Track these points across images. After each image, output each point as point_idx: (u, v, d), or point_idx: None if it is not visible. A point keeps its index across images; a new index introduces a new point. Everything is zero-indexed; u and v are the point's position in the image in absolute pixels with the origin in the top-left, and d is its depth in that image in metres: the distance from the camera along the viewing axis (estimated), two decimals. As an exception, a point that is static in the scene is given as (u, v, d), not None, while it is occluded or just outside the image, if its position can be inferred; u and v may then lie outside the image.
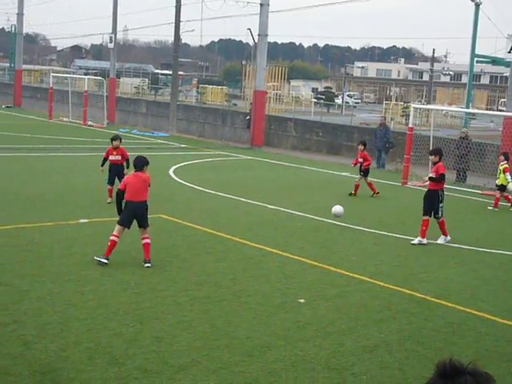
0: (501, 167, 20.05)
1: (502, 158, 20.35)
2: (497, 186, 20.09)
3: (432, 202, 14.58)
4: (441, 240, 14.80)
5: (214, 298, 10.06)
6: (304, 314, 9.61)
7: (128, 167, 16.35)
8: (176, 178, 22.12)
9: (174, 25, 41.84)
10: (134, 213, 11.53)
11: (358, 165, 21.09)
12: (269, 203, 18.29)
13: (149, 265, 11.44)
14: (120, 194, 11.67)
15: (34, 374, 7.18)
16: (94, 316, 9.00)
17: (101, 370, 7.37)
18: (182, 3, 41.32)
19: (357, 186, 20.77)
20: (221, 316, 9.32)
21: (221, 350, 8.12)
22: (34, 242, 12.62)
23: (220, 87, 64.40)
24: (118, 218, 11.67)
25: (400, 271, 12.32)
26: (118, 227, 11.52)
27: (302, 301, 10.20)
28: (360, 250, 13.82)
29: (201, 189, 20.29)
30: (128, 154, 16.92)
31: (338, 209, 15.51)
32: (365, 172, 20.88)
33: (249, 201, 18.65)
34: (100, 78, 53.66)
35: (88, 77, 54.35)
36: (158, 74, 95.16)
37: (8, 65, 74.07)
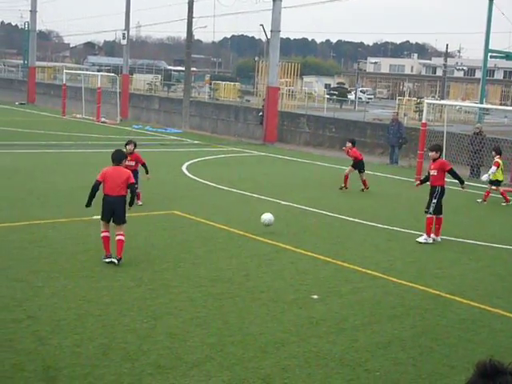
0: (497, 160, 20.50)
1: (493, 153, 20.95)
2: (491, 180, 20.37)
3: (430, 197, 14.46)
4: (421, 239, 14.24)
5: (228, 295, 10.07)
6: (317, 310, 9.60)
7: (147, 172, 16.35)
8: (189, 175, 22.15)
9: (186, 21, 41.87)
10: (111, 207, 11.32)
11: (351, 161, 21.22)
12: (282, 199, 18.28)
13: (115, 261, 11.16)
14: (96, 186, 11.33)
15: (48, 370, 7.21)
16: (108, 312, 9.03)
17: (115, 366, 7.40)
18: (194, -1, 41.34)
19: (364, 182, 20.88)
20: (234, 312, 9.32)
21: (234, 346, 8.12)
22: (47, 238, 12.67)
23: (233, 83, 64.37)
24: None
25: (414, 267, 12.28)
26: (102, 223, 11.45)
27: (315, 297, 10.19)
28: (373, 245, 13.79)
29: (214, 185, 20.30)
30: (143, 159, 16.48)
31: (267, 216, 14.29)
32: (356, 167, 20.96)
33: (262, 197, 18.64)
34: (113, 74, 53.78)
35: (101, 73, 54.45)
36: (170, 70, 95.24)
37: (21, 62, 74.41)
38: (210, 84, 64.10)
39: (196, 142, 34.31)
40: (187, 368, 7.46)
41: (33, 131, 33.40)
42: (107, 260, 11.25)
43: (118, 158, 11.63)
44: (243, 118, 40.03)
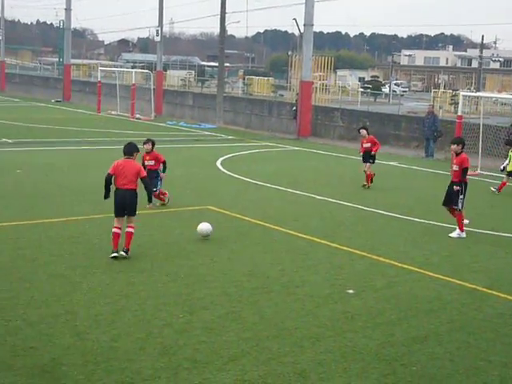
0: (511, 153, 20.33)
1: (508, 146, 21.08)
2: (507, 171, 20.18)
3: (452, 193, 14.08)
4: (454, 234, 14.06)
5: (263, 289, 10.09)
6: (353, 305, 9.58)
7: (164, 170, 15.64)
8: (223, 170, 22.22)
9: (219, 16, 41.96)
10: (123, 200, 11.32)
11: (363, 152, 20.07)
12: (316, 194, 18.25)
13: (125, 255, 11.23)
14: (108, 179, 11.31)
15: (87, 364, 7.31)
16: (144, 307, 9.11)
17: (152, 360, 7.47)
18: (227, -5, 41.38)
19: (369, 176, 19.81)
20: (269, 307, 9.35)
21: (270, 341, 8.14)
22: (84, 234, 12.82)
23: (266, 78, 64.33)
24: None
25: (450, 261, 12.18)
26: (115, 219, 11.46)
27: (350, 291, 10.17)
28: (408, 240, 13.70)
29: (248, 180, 20.34)
30: (163, 157, 15.57)
31: (204, 227, 13.01)
32: (373, 157, 19.89)
33: (296, 191, 18.64)
34: (147, 71, 54.13)
35: (135, 70, 54.85)
36: (204, 66, 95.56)
37: (57, 60, 75.23)
38: (244, 79, 64.12)
39: (230, 137, 34.39)
40: (223, 362, 7.51)
41: (69, 128, 33.77)
42: (113, 255, 11.19)
43: (129, 150, 11.61)
44: (277, 112, 40.00)
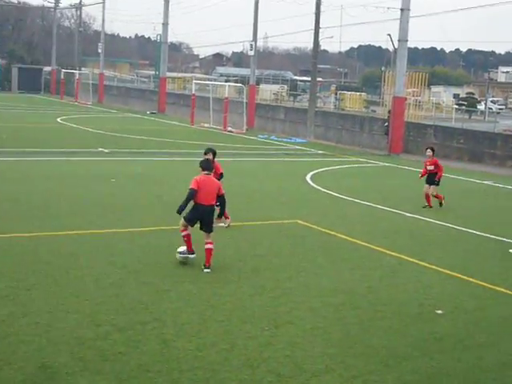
0: None
1: None
2: None
3: None
4: None
5: (349, 306, 9.99)
6: (442, 326, 9.36)
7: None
8: (313, 184, 22.18)
9: (313, 31, 42.05)
10: (201, 216, 11.44)
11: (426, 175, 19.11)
12: (406, 211, 17.96)
13: (208, 270, 11.30)
14: (192, 194, 11.29)
15: (172, 372, 7.40)
16: (230, 318, 9.16)
17: (236, 372, 7.49)
18: (321, 10, 41.48)
19: (437, 197, 18.91)
20: (356, 324, 9.24)
21: (355, 358, 8.04)
22: (173, 244, 12.99)
23: (358, 93, 63.96)
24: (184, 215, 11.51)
25: (545, 285, 11.74)
26: (183, 221, 11.52)
27: (439, 312, 9.94)
28: (502, 261, 13.30)
29: (337, 195, 20.23)
30: (221, 169, 14.59)
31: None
32: (437, 182, 18.89)
33: (386, 208, 18.40)
34: (240, 84, 54.72)
35: (228, 84, 55.55)
36: (296, 80, 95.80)
37: (153, 73, 77.07)
38: (336, 94, 63.95)
39: (320, 151, 34.32)
40: (307, 378, 7.46)
41: (163, 140, 34.46)
42: (191, 256, 11.42)
43: (209, 166, 11.84)
44: (368, 128, 39.68)
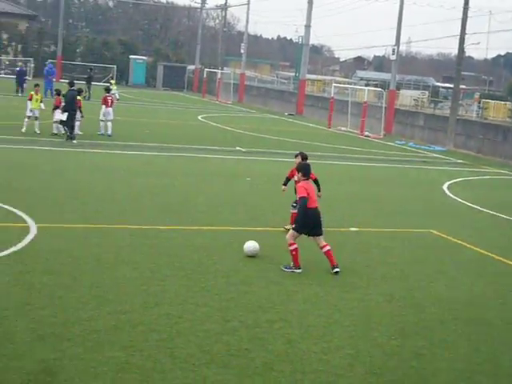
0: None
1: None
2: None
3: None
4: None
5: (480, 321, 9.69)
6: None
7: (319, 190, 13.86)
8: (450, 194, 21.63)
9: (458, 37, 40.97)
10: (315, 220, 11.31)
11: None
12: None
13: (337, 269, 11.25)
14: (306, 202, 11.19)
15: (295, 373, 7.45)
16: (356, 324, 9.12)
17: (358, 378, 7.45)
18: (468, 15, 40.34)
19: None
20: (486, 340, 8.95)
21: (484, 376, 7.80)
22: (301, 247, 13.00)
23: (503, 102, 61.72)
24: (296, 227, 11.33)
25: None
26: (293, 233, 11.31)
27: None
28: None
29: (475, 207, 19.62)
30: (314, 175, 13.62)
31: (250, 247, 12.09)
32: None
33: (526, 223, 17.67)
34: (380, 89, 54.11)
35: (368, 88, 55.07)
36: (438, 87, 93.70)
37: (293, 74, 77.61)
38: (479, 102, 62.02)
39: (460, 161, 33.40)
40: (432, 391, 7.30)
41: (299, 141, 34.66)
42: (296, 270, 11.24)
43: (310, 171, 11.79)
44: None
